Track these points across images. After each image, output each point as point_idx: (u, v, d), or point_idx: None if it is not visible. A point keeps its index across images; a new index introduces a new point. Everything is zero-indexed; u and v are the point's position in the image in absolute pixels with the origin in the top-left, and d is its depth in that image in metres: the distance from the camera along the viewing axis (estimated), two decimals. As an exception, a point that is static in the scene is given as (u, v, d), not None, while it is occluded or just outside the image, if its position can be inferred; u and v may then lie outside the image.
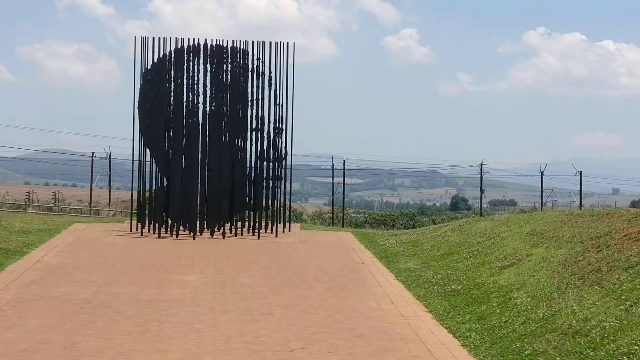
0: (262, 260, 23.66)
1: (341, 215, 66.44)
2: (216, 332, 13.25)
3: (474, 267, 19.92)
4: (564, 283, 14.98)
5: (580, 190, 67.03)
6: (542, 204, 71.02)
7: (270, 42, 31.96)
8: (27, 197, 63.18)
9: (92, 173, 62.45)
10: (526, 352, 11.77)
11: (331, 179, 70.51)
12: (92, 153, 62.08)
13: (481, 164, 65.35)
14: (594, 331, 11.51)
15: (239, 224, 31.83)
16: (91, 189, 62.13)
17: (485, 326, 13.85)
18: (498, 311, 14.77)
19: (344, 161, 67.04)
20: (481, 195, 67.02)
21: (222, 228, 30.89)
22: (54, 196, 67.37)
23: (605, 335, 11.19)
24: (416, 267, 22.07)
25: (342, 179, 68.42)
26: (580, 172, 65.90)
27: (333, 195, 67.41)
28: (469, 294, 17.04)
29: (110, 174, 64.19)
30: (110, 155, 62.58)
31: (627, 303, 12.16)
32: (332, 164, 67.28)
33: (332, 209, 67.21)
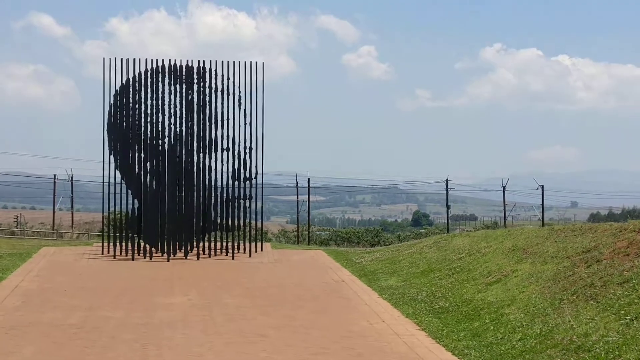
0: (241, 281, 23.60)
1: (306, 233, 66.46)
2: (216, 356, 13.16)
3: (458, 284, 20.00)
4: (557, 298, 15.09)
5: (543, 204, 67.63)
6: (504, 219, 71.62)
7: (239, 62, 31.96)
8: (-11, 221, 62.43)
9: (54, 195, 61.98)
10: (529, 368, 11.84)
11: (293, 196, 70.86)
12: (55, 175, 61.61)
13: (447, 180, 65.91)
14: (597, 346, 11.60)
15: (212, 244, 31.67)
16: (54, 212, 61.57)
17: (482, 343, 13.90)
18: (492, 328, 14.84)
19: (309, 179, 67.22)
20: (447, 211, 67.62)
21: (196, 249, 30.75)
22: (15, 219, 66.60)
23: (610, 350, 11.27)
24: (398, 285, 22.11)
25: (304, 196, 68.50)
26: (542, 186, 66.55)
27: (298, 213, 67.50)
28: (458, 311, 17.11)
29: (72, 196, 63.68)
30: (72, 177, 62.07)
31: (627, 317, 12.27)
32: (297, 182, 67.38)
33: (297, 227, 67.21)
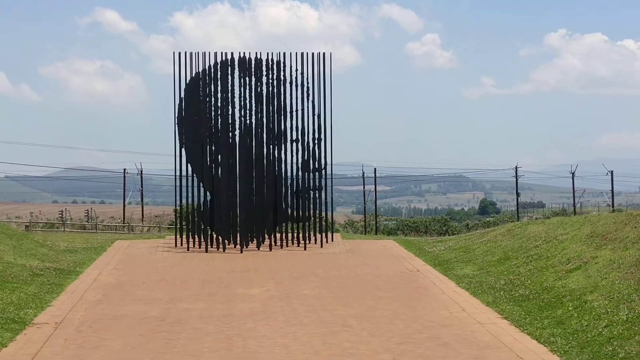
0: (317, 271, 23.63)
1: (372, 223, 66.44)
2: (301, 346, 13.23)
3: (537, 272, 19.80)
4: (642, 285, 14.86)
5: (612, 190, 66.75)
6: (574, 205, 70.81)
7: (307, 53, 31.96)
8: (61, 215, 63.44)
9: (124, 189, 62.80)
10: (620, 355, 11.73)
11: (358, 186, 70.85)
12: (124, 170, 62.36)
13: (516, 167, 65.42)
14: (690, 333, 11.40)
15: (284, 235, 31.78)
16: (124, 205, 62.38)
17: (568, 331, 13.76)
18: (576, 315, 14.67)
19: (375, 169, 67.29)
20: (517, 199, 67.10)
21: (268, 240, 30.91)
22: (86, 214, 67.71)
23: None
24: (474, 274, 21.97)
25: (371, 186, 68.50)
26: (612, 171, 65.66)
27: (365, 203, 67.58)
28: (539, 299, 16.94)
29: (142, 190, 64.41)
30: (142, 171, 62.79)
31: None
32: (363, 173, 67.41)
33: (365, 217, 67.25)
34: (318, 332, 14.33)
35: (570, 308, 15.29)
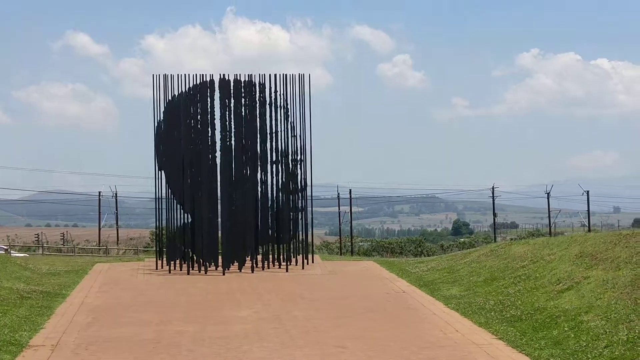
0: (303, 293, 23.57)
1: (348, 244, 66.44)
2: (301, 368, 13.14)
3: (526, 292, 19.84)
4: (639, 304, 14.90)
5: (588, 210, 67.19)
6: (550, 225, 71.13)
7: (285, 75, 32.01)
8: (37, 239, 62.97)
9: (99, 212, 62.39)
10: (622, 375, 11.71)
11: (331, 207, 70.90)
12: (99, 192, 62.02)
13: (492, 188, 65.62)
14: (692, 352, 11.44)
15: (262, 257, 31.63)
16: (99, 228, 61.96)
17: (567, 351, 13.75)
18: (573, 335, 14.68)
19: (350, 190, 67.22)
20: (494, 219, 67.34)
21: (251, 262, 30.78)
22: (62, 237, 67.22)
23: None
24: (462, 294, 21.97)
25: (345, 207, 68.50)
26: (587, 191, 66.14)
27: (340, 224, 67.47)
28: (532, 319, 16.96)
29: (117, 213, 64.05)
30: (116, 194, 62.48)
31: None
32: (338, 194, 67.36)
33: (340, 238, 67.22)
34: (315, 354, 14.25)
35: (566, 328, 15.31)
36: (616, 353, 12.79)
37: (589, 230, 63.23)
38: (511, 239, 60.67)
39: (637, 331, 13.45)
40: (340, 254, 59.86)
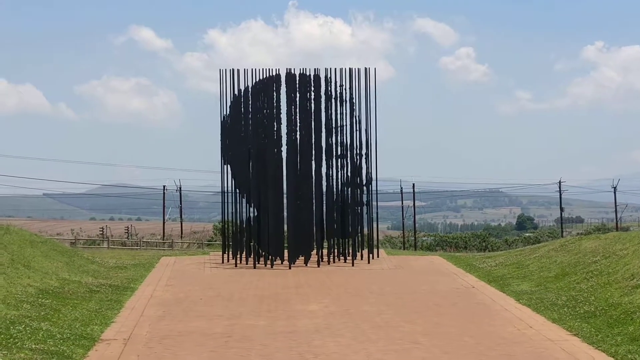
0: (371, 287, 23.49)
1: (410, 238, 66.18)
2: (376, 363, 13.06)
3: (599, 288, 19.53)
4: None
5: (656, 205, 66.05)
6: (616, 220, 70.12)
7: (349, 69, 31.92)
8: (102, 232, 63.67)
9: (164, 206, 62.93)
10: None
11: (393, 202, 70.59)
12: (164, 186, 62.54)
13: (559, 182, 64.93)
14: None
15: (328, 251, 31.62)
16: (164, 222, 62.51)
17: (645, 348, 13.48)
18: (650, 332, 14.38)
19: (414, 184, 66.91)
20: (561, 214, 66.82)
21: (317, 256, 30.78)
22: (126, 230, 67.88)
23: None
24: (532, 290, 21.71)
25: (408, 202, 68.23)
26: (655, 185, 65.08)
27: (403, 219, 67.22)
28: (606, 315, 16.67)
29: (181, 206, 64.56)
30: (180, 188, 62.96)
31: None
32: (401, 188, 67.18)
33: (403, 232, 66.97)
34: (390, 349, 14.14)
35: (642, 325, 15.01)
36: (698, 350, 12.51)
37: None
38: (579, 234, 59.96)
39: None
40: (403, 249, 59.65)
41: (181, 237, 62.05)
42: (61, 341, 14.20)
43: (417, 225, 73.04)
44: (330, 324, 16.88)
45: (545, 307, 18.70)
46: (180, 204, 64.48)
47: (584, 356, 13.55)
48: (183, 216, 67.19)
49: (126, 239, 61.14)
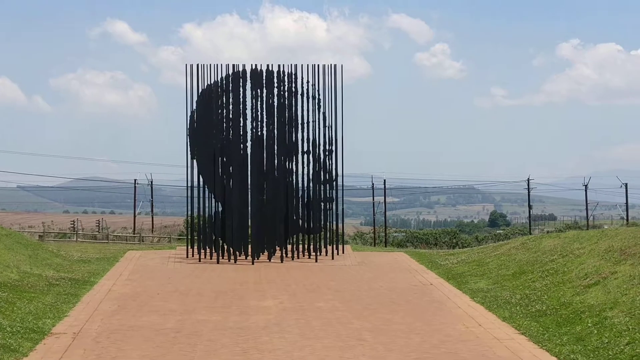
0: (330, 284, 23.56)
1: (382, 234, 66.26)
2: (318, 360, 13.12)
3: (553, 287, 19.65)
4: (664, 301, 14.72)
5: (627, 203, 66.50)
6: (587, 218, 70.47)
7: (318, 65, 32.00)
8: (72, 226, 63.45)
9: (135, 200, 62.78)
10: (642, 373, 11.54)
11: (366, 198, 70.76)
12: (135, 180, 62.36)
13: (528, 180, 65.09)
14: None
15: (292, 247, 31.70)
16: (135, 216, 62.32)
17: (588, 348, 13.59)
18: (595, 332, 14.50)
19: (385, 180, 67.01)
20: (529, 211, 66.73)
21: (280, 252, 30.81)
22: (97, 224, 67.71)
23: None
24: (489, 288, 21.83)
25: (380, 198, 68.33)
26: (626, 184, 65.44)
27: (374, 215, 67.30)
28: (557, 314, 16.79)
29: (152, 201, 64.40)
30: (152, 182, 62.79)
31: None
32: (373, 184, 67.23)
33: (374, 229, 67.05)
34: (334, 346, 14.20)
35: (589, 324, 15.13)
36: (637, 350, 12.61)
37: (627, 223, 62.61)
38: (548, 232, 60.27)
39: (660, 328, 13.26)
40: (374, 245, 59.75)
41: (152, 231, 61.94)
42: (10, 334, 14.23)
43: (390, 221, 73.27)
44: (282, 321, 16.92)
45: (498, 305, 18.82)
46: (152, 197, 64.33)
47: (527, 355, 13.64)
48: (156, 210, 67.12)
49: (97, 233, 60.97)
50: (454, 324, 16.69)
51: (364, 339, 14.88)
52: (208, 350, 13.86)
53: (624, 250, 19.98)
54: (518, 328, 16.06)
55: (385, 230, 66.19)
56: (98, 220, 69.55)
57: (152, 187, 63.53)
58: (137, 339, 14.77)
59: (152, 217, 65.30)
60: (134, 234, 58.21)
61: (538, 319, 16.67)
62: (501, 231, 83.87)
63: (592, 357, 12.98)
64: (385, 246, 57.28)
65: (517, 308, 18.17)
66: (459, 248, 50.92)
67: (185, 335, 15.21)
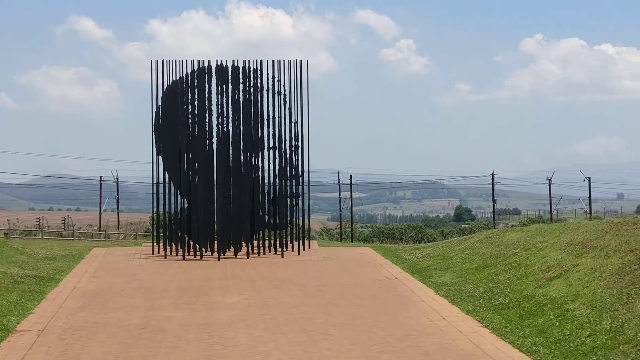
0: (296, 279, 23.63)
1: (348, 230, 66.46)
2: (282, 355, 13.19)
3: (516, 280, 19.86)
4: (624, 293, 14.94)
5: (590, 197, 67.17)
6: (551, 212, 71.07)
7: (284, 61, 31.99)
8: (38, 223, 63.11)
9: (100, 197, 62.50)
10: (602, 364, 11.72)
11: (333, 193, 71.01)
12: (100, 177, 62.10)
13: (492, 174, 65.56)
14: (671, 341, 11.44)
15: (261, 243, 31.73)
16: (100, 213, 62.07)
17: (550, 340, 13.77)
18: (557, 324, 14.69)
19: (351, 176, 67.15)
20: (494, 206, 67.30)
21: (246, 248, 30.82)
22: (63, 221, 67.36)
23: (685, 344, 11.12)
24: (453, 281, 22.01)
25: (346, 193, 68.54)
26: (589, 178, 66.11)
27: (340, 210, 67.52)
28: (519, 307, 16.97)
29: (118, 198, 64.17)
30: (117, 179, 62.55)
31: (699, 311, 12.10)
32: (339, 180, 67.40)
33: (340, 224, 67.24)
34: (299, 341, 14.29)
35: (551, 317, 15.32)
36: (598, 342, 12.81)
37: (590, 217, 63.24)
38: (512, 226, 60.71)
39: (620, 320, 13.45)
40: (340, 240, 59.92)
41: (118, 228, 61.76)
42: (-26, 332, 14.19)
43: (357, 216, 73.45)
44: (247, 316, 16.97)
45: (462, 299, 18.98)
46: (118, 194, 64.14)
47: (489, 347, 13.80)
48: (123, 207, 66.93)
49: (62, 230, 60.68)
50: (418, 318, 16.82)
51: (329, 334, 14.97)
52: (173, 346, 13.90)
53: (585, 243, 20.24)
54: (481, 321, 16.23)
55: (352, 226, 66.41)
56: (64, 218, 69.24)
57: (117, 184, 63.32)
58: (101, 336, 14.77)
59: (118, 214, 65.13)
60: (99, 231, 57.99)
61: (501, 312, 16.85)
62: (466, 225, 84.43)
63: (554, 348, 13.15)
64: (352, 241, 57.44)
65: (481, 301, 18.35)
66: (425, 242, 51.19)
67: (150, 331, 15.23)
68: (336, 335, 14.80)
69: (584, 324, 14.04)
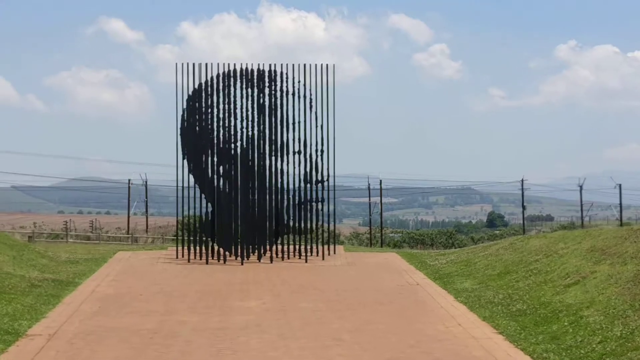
0: (316, 284, 23.56)
1: (378, 235, 66.30)
2: (292, 360, 13.14)
3: (535, 286, 19.69)
4: (637, 300, 14.79)
5: (620, 204, 66.53)
6: (582, 219, 70.51)
7: (310, 65, 31.96)
8: (65, 226, 63.44)
9: (129, 200, 62.76)
10: (612, 372, 11.57)
11: (365, 198, 70.53)
12: (129, 180, 62.35)
13: (522, 180, 65.15)
14: (683, 350, 11.27)
15: (285, 247, 31.68)
16: (129, 216, 62.32)
17: (562, 346, 13.63)
18: (571, 330, 14.56)
19: (380, 181, 67.01)
20: (523, 212, 66.83)
21: (269, 252, 30.79)
22: (91, 224, 67.69)
23: (696, 353, 10.95)
24: (474, 288, 21.84)
25: (377, 198, 68.37)
26: (620, 185, 65.50)
27: (370, 215, 67.32)
28: (536, 314, 16.82)
29: (146, 201, 64.42)
30: (146, 182, 62.84)
31: None
32: (369, 185, 67.23)
33: (370, 229, 67.08)
34: (311, 346, 14.23)
35: (565, 323, 15.18)
36: (608, 349, 12.67)
37: (621, 224, 62.68)
38: (543, 232, 60.29)
39: (631, 327, 13.30)
40: (370, 245, 59.80)
41: (146, 231, 61.97)
42: (-17, 337, 14.23)
43: (388, 222, 73.30)
44: (262, 321, 16.92)
45: (481, 305, 18.84)
46: (146, 197, 64.41)
47: (501, 354, 13.67)
48: (153, 210, 67.17)
49: (90, 233, 60.98)
50: (435, 324, 16.70)
51: (341, 339, 14.89)
52: (182, 351, 13.88)
53: (605, 250, 20.04)
54: (496, 327, 16.09)
55: (381, 231, 66.24)
56: (92, 221, 69.54)
57: (146, 187, 63.61)
58: (112, 340, 14.77)
59: (147, 218, 65.30)
60: (127, 234, 58.22)
61: (517, 319, 16.70)
62: (498, 231, 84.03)
63: (565, 355, 13.02)
64: (382, 247, 57.30)
65: (499, 308, 18.20)
66: (455, 248, 50.96)
67: (162, 336, 15.21)
68: (348, 341, 14.72)
69: (596, 331, 13.90)
